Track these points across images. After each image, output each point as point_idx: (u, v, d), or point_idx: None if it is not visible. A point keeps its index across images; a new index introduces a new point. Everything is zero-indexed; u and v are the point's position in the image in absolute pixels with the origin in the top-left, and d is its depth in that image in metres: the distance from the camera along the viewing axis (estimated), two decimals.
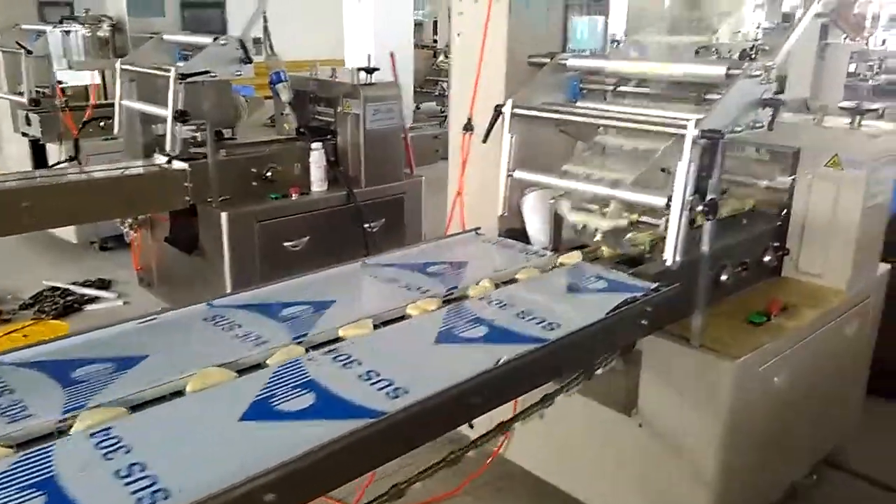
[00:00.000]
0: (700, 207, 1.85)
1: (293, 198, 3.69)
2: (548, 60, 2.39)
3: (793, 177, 2.55)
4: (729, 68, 1.94)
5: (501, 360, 1.49)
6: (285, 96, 3.80)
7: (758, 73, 1.90)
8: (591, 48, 2.53)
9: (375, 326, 1.67)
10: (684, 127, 1.84)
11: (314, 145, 3.74)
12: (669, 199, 1.88)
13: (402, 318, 1.75)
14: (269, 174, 3.70)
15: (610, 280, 1.98)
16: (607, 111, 2.21)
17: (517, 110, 2.25)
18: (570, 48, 2.58)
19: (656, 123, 1.97)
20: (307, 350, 1.54)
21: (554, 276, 1.99)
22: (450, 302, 1.83)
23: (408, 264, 2.07)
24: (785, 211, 2.60)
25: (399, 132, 4.03)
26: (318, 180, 3.77)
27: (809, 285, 2.57)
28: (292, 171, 3.80)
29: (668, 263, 1.91)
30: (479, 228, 2.40)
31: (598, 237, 2.22)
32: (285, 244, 3.62)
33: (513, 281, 1.97)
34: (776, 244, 2.61)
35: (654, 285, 1.94)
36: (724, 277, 2.36)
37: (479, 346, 1.59)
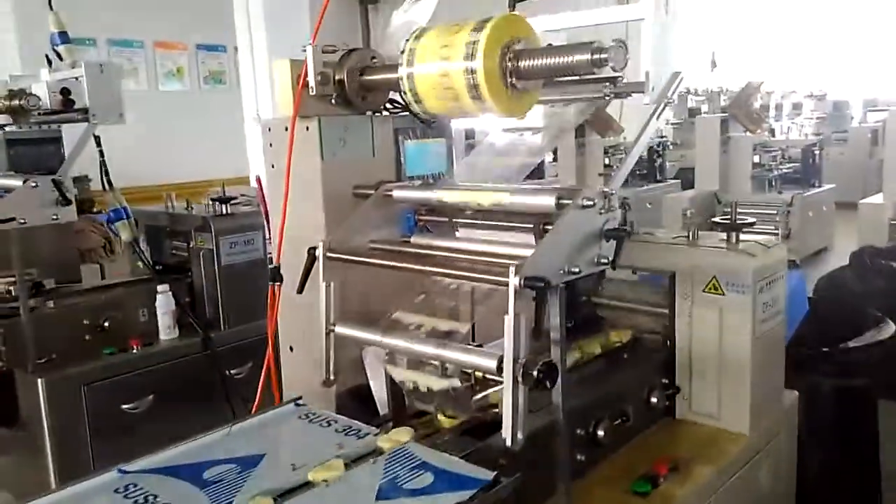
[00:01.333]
0: (535, 372, 1.46)
1: (134, 351, 3.19)
2: (373, 191, 2.04)
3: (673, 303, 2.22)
4: (559, 197, 1.59)
5: None
6: (126, 235, 3.36)
7: (592, 201, 1.57)
8: (430, 173, 2.22)
9: None
10: (506, 273, 1.47)
11: (160, 287, 3.28)
12: (501, 361, 1.50)
13: None
14: (106, 324, 3.20)
15: (438, 471, 1.54)
16: (434, 250, 1.85)
17: (332, 254, 1.88)
18: (405, 175, 2.26)
19: (476, 270, 1.60)
20: None
21: (364, 472, 1.54)
22: None
23: (181, 467, 1.59)
24: (670, 342, 2.26)
25: (265, 264, 3.61)
26: (166, 327, 3.29)
27: (707, 429, 2.18)
28: (137, 318, 3.32)
29: (509, 445, 1.50)
30: (300, 398, 1.95)
31: (435, 402, 1.81)
32: (123, 407, 3.09)
33: (309, 484, 1.52)
34: (664, 381, 2.24)
35: (493, 475, 1.51)
36: (600, 434, 1.97)
37: None
